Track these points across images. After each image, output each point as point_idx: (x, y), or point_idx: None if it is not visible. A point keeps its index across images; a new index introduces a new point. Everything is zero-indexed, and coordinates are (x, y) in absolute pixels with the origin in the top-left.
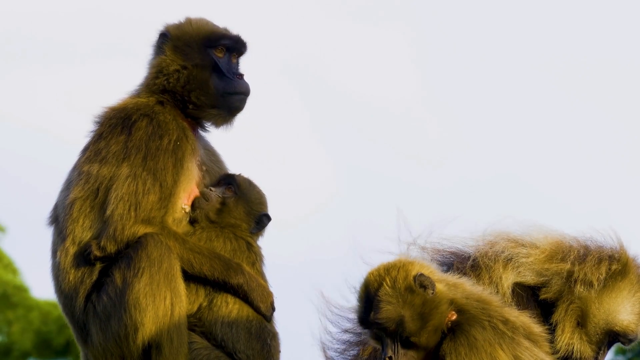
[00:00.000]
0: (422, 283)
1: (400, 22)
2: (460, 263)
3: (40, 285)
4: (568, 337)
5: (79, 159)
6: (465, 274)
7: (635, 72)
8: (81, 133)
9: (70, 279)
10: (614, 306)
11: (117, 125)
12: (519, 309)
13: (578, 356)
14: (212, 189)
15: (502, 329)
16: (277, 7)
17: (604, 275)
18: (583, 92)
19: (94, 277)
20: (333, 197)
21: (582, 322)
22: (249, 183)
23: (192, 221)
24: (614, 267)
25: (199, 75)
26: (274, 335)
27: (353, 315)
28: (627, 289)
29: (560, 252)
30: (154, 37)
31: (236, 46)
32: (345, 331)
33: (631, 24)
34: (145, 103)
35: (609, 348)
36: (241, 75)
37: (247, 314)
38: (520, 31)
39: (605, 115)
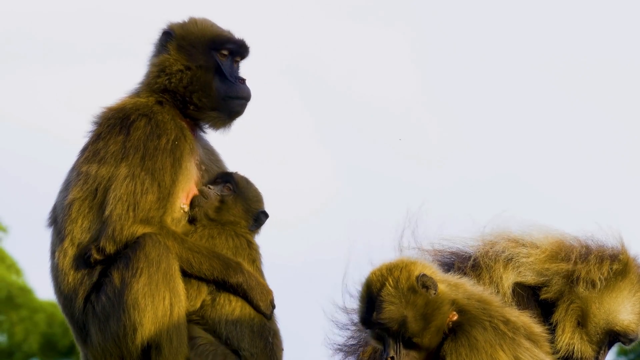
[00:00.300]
0: (425, 283)
1: (400, 22)
2: (460, 263)
3: (44, 286)
4: (568, 337)
5: (78, 160)
6: (465, 274)
7: (635, 72)
8: (81, 133)
9: (70, 280)
10: (614, 306)
11: (115, 125)
12: (519, 309)
13: (578, 356)
14: (211, 187)
15: (502, 330)
16: (277, 8)
17: (605, 275)
18: (583, 92)
19: (94, 278)
20: (333, 197)
21: (582, 322)
22: (246, 181)
23: (191, 220)
24: (615, 266)
25: (202, 77)
26: (275, 333)
27: (354, 316)
28: (627, 289)
29: (560, 251)
30: (155, 35)
31: (240, 50)
32: (346, 332)
33: (631, 24)
34: (144, 103)
35: (609, 348)
36: (243, 80)
37: (249, 312)
38: (520, 31)
39: (605, 115)
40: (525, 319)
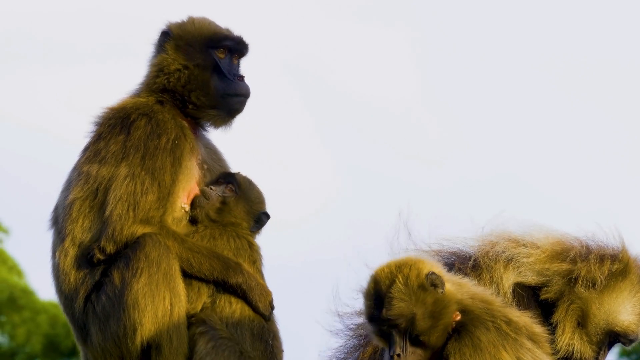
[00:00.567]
0: (434, 282)
1: (400, 22)
2: (461, 263)
3: (46, 287)
4: (568, 338)
5: (79, 160)
6: (466, 274)
7: (635, 72)
8: (81, 133)
9: (71, 279)
10: (614, 306)
11: (116, 125)
12: (519, 309)
13: (578, 356)
14: (212, 187)
15: (505, 330)
16: (277, 7)
17: (605, 275)
18: (583, 92)
19: (96, 278)
20: (334, 198)
21: (582, 322)
22: (249, 182)
23: (193, 220)
24: (615, 267)
25: (200, 76)
26: (275, 335)
27: (359, 313)
28: (628, 289)
29: (561, 251)
30: (155, 35)
31: (238, 47)
32: (347, 334)
33: (631, 24)
34: (144, 102)
35: (609, 348)
36: (242, 77)
37: (249, 314)
38: (520, 31)
39: (605, 115)
40: (526, 319)
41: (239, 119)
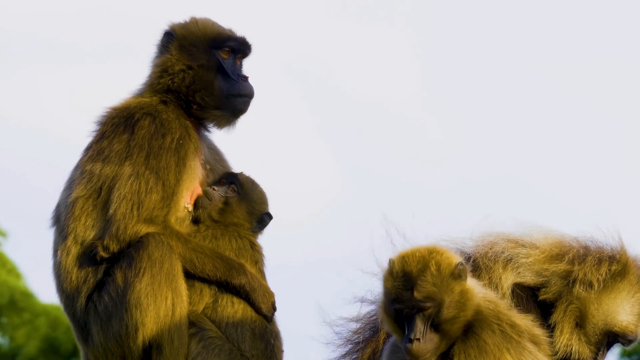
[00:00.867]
0: (461, 273)
1: (401, 22)
2: None
3: (46, 289)
4: (567, 338)
5: (82, 158)
6: None
7: (635, 72)
8: (82, 133)
9: (73, 278)
10: (613, 307)
11: (119, 124)
12: (518, 310)
13: (577, 357)
14: (215, 188)
15: (510, 333)
16: (278, 7)
17: (603, 276)
18: (583, 92)
19: (99, 276)
20: (336, 198)
21: (581, 323)
22: (252, 182)
23: (195, 220)
24: (613, 267)
25: (204, 76)
26: (276, 335)
27: (355, 319)
28: (626, 290)
29: (560, 252)
30: (157, 36)
31: (241, 48)
32: (346, 334)
33: (631, 24)
34: (148, 102)
35: (608, 349)
36: (246, 78)
37: (251, 314)
38: (520, 31)
39: (605, 115)
40: (527, 321)
41: (242, 120)
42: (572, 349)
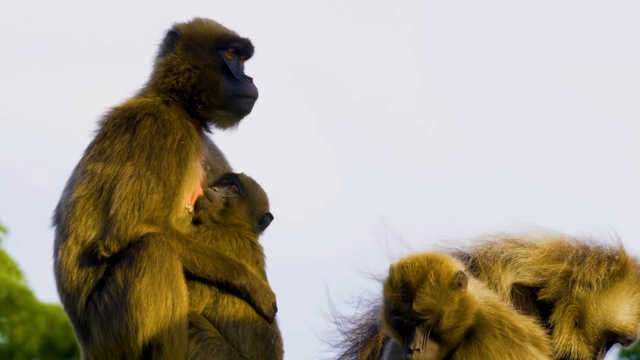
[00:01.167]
0: (461, 281)
1: (401, 22)
2: None
3: (45, 288)
4: (566, 338)
5: (83, 158)
6: None
7: (635, 72)
8: (83, 133)
9: (73, 278)
10: (612, 307)
11: (121, 125)
12: (517, 310)
13: (576, 357)
14: (216, 189)
15: (512, 338)
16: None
17: (602, 276)
18: (583, 92)
19: (99, 276)
20: (338, 198)
21: (580, 323)
22: (253, 183)
23: (196, 221)
24: (612, 267)
25: (210, 76)
26: (277, 336)
27: (354, 319)
28: (625, 290)
29: (559, 252)
30: (158, 36)
31: (246, 49)
32: (345, 334)
33: (631, 24)
34: (150, 102)
35: (607, 349)
36: (250, 79)
37: (251, 314)
38: (520, 31)
39: (605, 115)
40: (528, 322)
41: (244, 121)
42: (571, 348)
